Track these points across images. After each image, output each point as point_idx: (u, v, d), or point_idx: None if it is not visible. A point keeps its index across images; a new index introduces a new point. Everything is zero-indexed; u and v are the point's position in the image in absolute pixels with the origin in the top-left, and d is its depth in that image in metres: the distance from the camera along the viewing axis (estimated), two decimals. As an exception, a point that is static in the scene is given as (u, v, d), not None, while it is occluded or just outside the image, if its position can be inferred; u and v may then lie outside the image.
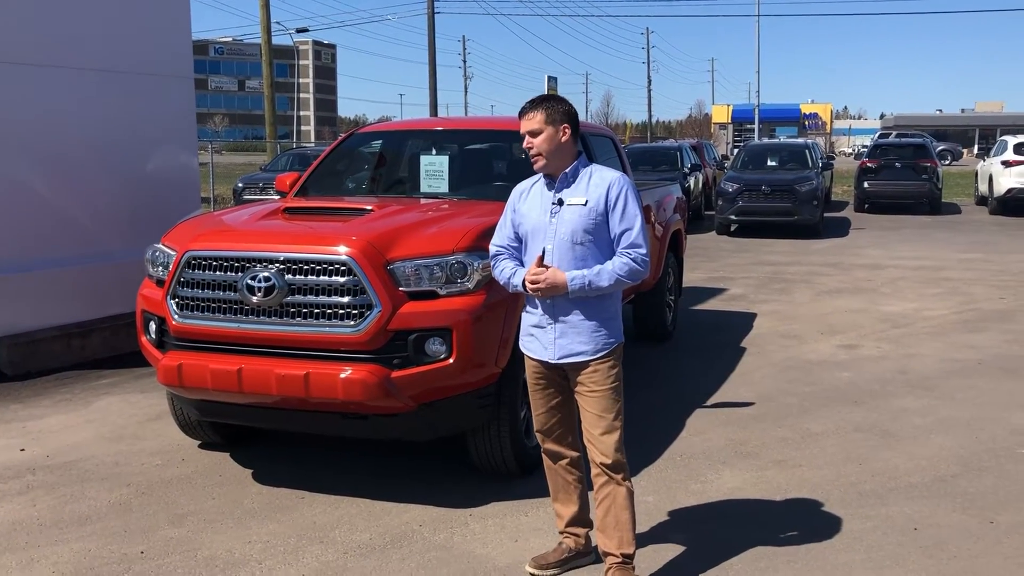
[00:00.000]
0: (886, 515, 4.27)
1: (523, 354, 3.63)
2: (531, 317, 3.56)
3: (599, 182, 3.48)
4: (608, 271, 3.38)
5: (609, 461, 3.45)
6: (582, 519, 3.75)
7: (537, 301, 3.48)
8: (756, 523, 4.19)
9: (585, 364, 3.46)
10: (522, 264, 3.58)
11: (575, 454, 3.69)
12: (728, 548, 3.93)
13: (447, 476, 4.79)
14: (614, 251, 3.46)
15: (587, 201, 3.44)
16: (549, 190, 3.55)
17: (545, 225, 3.49)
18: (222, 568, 3.80)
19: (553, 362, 3.50)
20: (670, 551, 3.90)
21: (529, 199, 3.60)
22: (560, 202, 3.48)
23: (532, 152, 3.49)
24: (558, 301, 3.44)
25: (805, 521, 4.21)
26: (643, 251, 3.42)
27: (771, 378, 6.77)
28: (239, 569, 3.79)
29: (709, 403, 6.13)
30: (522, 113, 3.53)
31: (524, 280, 3.42)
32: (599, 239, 3.44)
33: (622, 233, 3.42)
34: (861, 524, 4.17)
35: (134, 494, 4.60)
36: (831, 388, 6.49)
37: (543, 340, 3.51)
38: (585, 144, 6.41)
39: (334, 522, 4.24)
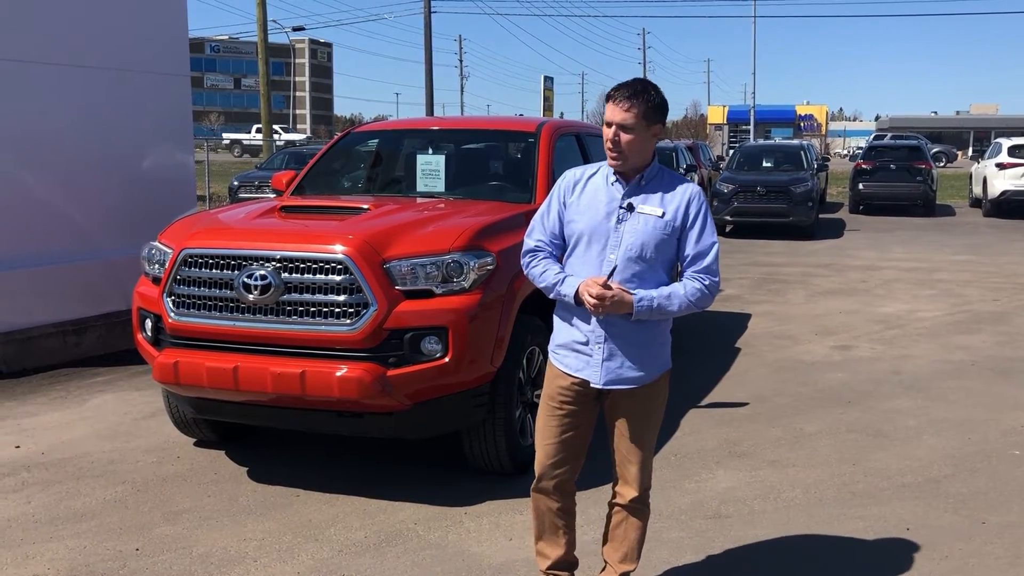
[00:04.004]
0: (879, 515, 4.29)
1: (559, 370, 3.18)
2: (573, 332, 3.13)
3: (677, 193, 3.07)
4: (680, 296, 3.01)
5: (636, 494, 3.21)
6: (568, 562, 3.39)
7: (588, 316, 3.07)
8: (750, 523, 4.21)
9: (634, 391, 3.12)
10: (561, 265, 3.17)
11: (570, 502, 3.33)
12: (722, 548, 3.95)
13: (442, 475, 4.80)
14: (672, 270, 3.11)
15: (664, 213, 3.03)
16: (614, 188, 3.10)
17: (608, 231, 3.05)
18: (217, 565, 3.81)
19: (598, 386, 3.12)
20: (664, 551, 3.91)
21: (587, 193, 3.13)
22: (631, 208, 3.05)
23: (616, 148, 3.02)
24: (612, 319, 3.05)
25: (798, 521, 4.23)
26: (718, 279, 3.08)
27: (765, 378, 6.79)
28: (234, 566, 3.80)
29: (703, 403, 6.15)
30: (614, 97, 3.02)
31: (580, 292, 3.00)
32: (664, 256, 3.06)
33: (696, 255, 3.04)
34: (854, 524, 4.19)
35: (129, 491, 4.61)
36: (825, 389, 6.52)
37: (585, 359, 3.11)
38: (582, 145, 6.44)
39: (329, 520, 4.25)
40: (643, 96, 3.00)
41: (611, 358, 3.08)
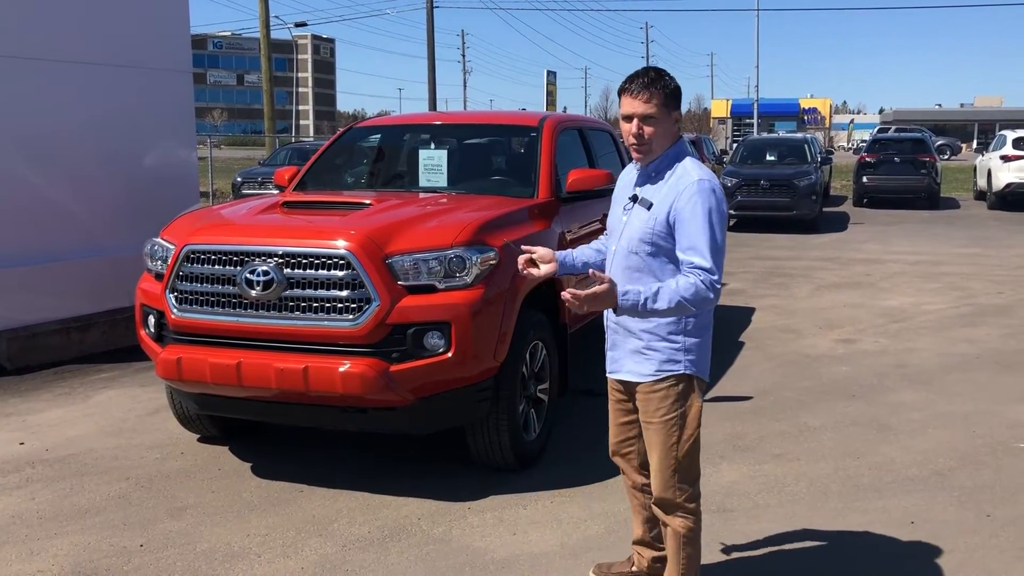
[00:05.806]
0: (883, 508, 4.28)
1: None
2: None
3: (673, 183, 2.89)
4: (670, 291, 2.79)
5: (656, 496, 3.10)
6: (645, 542, 3.42)
7: None
8: (754, 517, 4.20)
9: (639, 386, 3.04)
10: (592, 250, 3.26)
11: (641, 479, 3.30)
12: (726, 542, 3.94)
13: (445, 470, 4.79)
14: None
15: (653, 205, 2.90)
16: (634, 180, 3.07)
17: (618, 223, 3.03)
18: (221, 561, 3.81)
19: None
20: (668, 544, 3.91)
21: (619, 187, 3.14)
22: (635, 198, 2.98)
23: (641, 141, 2.91)
24: (611, 312, 2.96)
25: (803, 515, 4.22)
26: (715, 277, 2.81)
27: (769, 372, 6.78)
28: (238, 562, 3.80)
29: (707, 397, 6.12)
30: (628, 90, 2.90)
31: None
32: (662, 253, 2.91)
33: (687, 250, 2.84)
34: (859, 518, 4.18)
35: (133, 487, 4.61)
36: (829, 382, 6.50)
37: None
38: (584, 139, 6.42)
39: (333, 515, 4.25)
40: (660, 83, 2.90)
41: (613, 348, 3.12)
